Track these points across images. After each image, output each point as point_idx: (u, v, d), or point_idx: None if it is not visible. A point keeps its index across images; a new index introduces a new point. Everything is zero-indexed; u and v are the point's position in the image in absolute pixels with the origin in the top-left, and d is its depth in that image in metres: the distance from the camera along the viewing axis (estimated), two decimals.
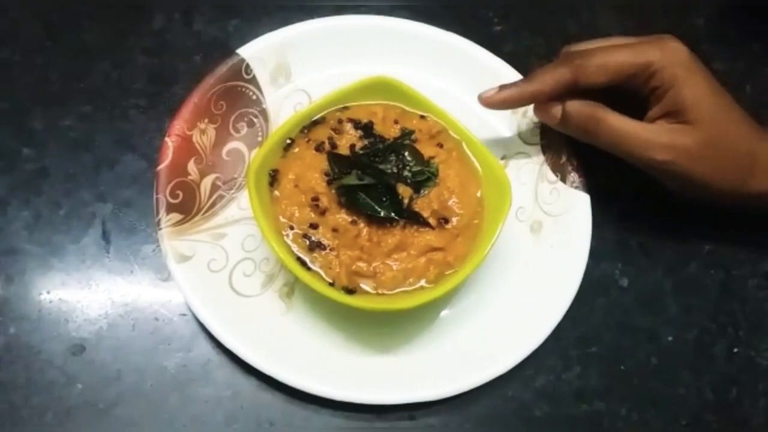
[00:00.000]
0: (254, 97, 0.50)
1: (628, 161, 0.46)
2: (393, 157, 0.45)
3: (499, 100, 0.46)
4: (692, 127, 0.44)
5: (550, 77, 0.45)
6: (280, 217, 0.43)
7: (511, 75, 0.51)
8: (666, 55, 0.44)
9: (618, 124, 0.45)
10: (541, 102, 0.47)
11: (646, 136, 0.44)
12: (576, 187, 0.49)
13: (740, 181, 0.45)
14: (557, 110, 0.46)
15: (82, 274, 0.47)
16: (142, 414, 0.44)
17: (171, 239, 0.45)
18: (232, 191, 0.48)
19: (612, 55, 0.44)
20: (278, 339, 0.45)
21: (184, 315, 0.46)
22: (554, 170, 0.50)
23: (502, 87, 0.46)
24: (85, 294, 0.46)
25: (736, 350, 0.48)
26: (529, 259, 0.48)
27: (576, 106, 0.46)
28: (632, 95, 0.45)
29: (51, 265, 0.47)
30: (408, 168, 0.45)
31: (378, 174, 0.44)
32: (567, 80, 0.45)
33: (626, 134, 0.44)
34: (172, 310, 0.46)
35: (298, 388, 0.43)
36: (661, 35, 0.46)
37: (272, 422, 0.44)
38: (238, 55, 0.50)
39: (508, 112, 0.51)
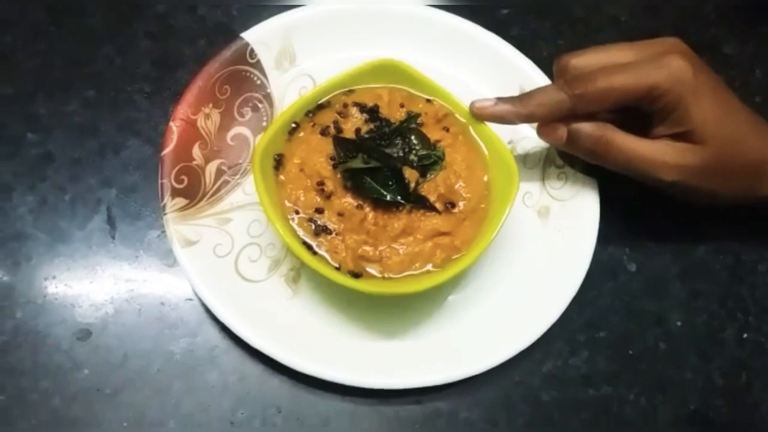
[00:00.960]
0: (259, 82, 0.50)
1: (633, 177, 0.45)
2: (399, 141, 0.44)
3: (491, 114, 0.45)
4: (700, 147, 0.43)
5: (548, 102, 0.43)
6: (286, 202, 0.43)
7: (518, 59, 0.51)
8: (670, 77, 0.42)
9: (627, 145, 0.43)
10: (534, 122, 0.46)
11: (655, 157, 0.43)
12: (584, 172, 0.49)
13: (749, 189, 0.45)
14: (562, 132, 0.44)
15: (88, 260, 0.47)
16: (148, 399, 0.44)
17: (176, 224, 0.45)
18: (237, 176, 0.48)
19: (613, 80, 0.42)
20: (284, 324, 0.44)
21: (191, 300, 0.46)
22: (561, 154, 0.49)
23: (498, 100, 0.45)
24: (91, 279, 0.46)
25: (745, 335, 0.48)
26: (537, 244, 0.48)
27: (584, 129, 0.44)
28: (635, 110, 0.44)
29: (57, 251, 0.47)
30: (414, 152, 0.44)
31: (384, 158, 0.43)
32: (565, 107, 0.43)
33: (635, 156, 0.43)
34: (178, 296, 0.46)
35: (304, 373, 0.43)
36: (664, 42, 0.44)
37: (279, 407, 0.44)
38: (242, 39, 0.49)
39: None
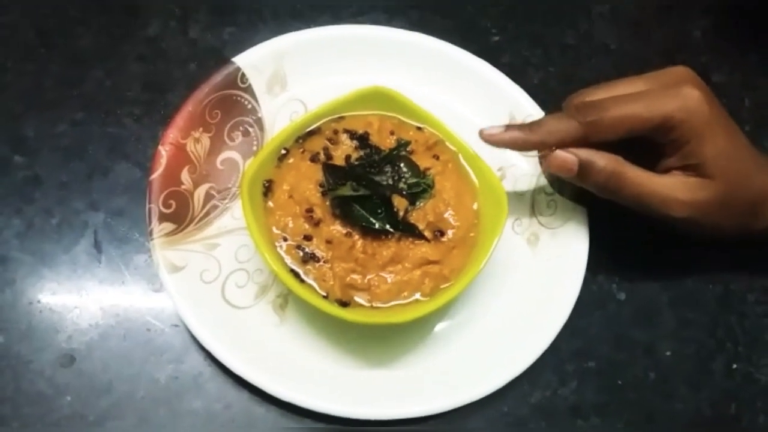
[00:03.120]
0: (250, 106, 0.50)
1: (640, 212, 0.44)
2: (388, 169, 0.44)
3: (500, 141, 0.44)
4: (709, 182, 0.42)
5: (560, 130, 0.43)
6: (274, 228, 0.43)
7: (509, 86, 0.51)
8: (685, 107, 0.41)
9: (638, 180, 0.43)
10: (544, 149, 0.45)
11: (666, 193, 0.43)
12: (573, 200, 0.49)
13: (744, 224, 0.45)
14: (573, 163, 0.43)
15: (74, 284, 0.46)
16: (133, 426, 0.43)
17: (163, 249, 0.45)
18: (226, 201, 0.48)
19: (627, 109, 0.42)
20: (271, 352, 0.44)
21: (176, 326, 0.46)
22: (551, 182, 0.49)
23: (508, 128, 0.44)
24: (76, 304, 0.46)
25: (735, 366, 0.48)
26: (526, 272, 0.48)
27: (597, 162, 0.43)
28: (645, 141, 0.43)
29: (42, 274, 0.46)
30: (404, 179, 0.44)
31: (373, 185, 0.43)
32: (577, 136, 0.42)
33: (646, 191, 0.43)
34: (164, 321, 0.46)
35: (290, 402, 0.42)
36: (675, 72, 0.44)
37: None
38: (233, 63, 0.49)
39: (505, 122, 0.50)
